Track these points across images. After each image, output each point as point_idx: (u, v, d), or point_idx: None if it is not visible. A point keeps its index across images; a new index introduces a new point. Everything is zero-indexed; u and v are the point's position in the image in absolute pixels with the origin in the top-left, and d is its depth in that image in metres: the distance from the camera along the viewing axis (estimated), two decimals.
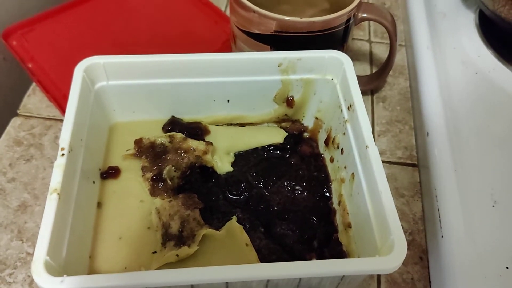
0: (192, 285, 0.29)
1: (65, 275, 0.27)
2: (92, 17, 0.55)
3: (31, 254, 0.38)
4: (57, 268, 0.28)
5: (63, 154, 0.32)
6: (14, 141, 0.45)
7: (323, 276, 0.28)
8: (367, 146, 0.33)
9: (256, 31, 0.41)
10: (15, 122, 0.47)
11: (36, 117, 0.47)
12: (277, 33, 0.40)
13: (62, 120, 0.46)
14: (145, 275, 0.27)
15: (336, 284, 0.31)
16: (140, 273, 0.27)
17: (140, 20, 0.56)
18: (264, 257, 0.35)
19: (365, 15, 0.43)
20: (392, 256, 0.27)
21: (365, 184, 0.33)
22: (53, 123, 0.47)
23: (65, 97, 0.46)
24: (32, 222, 0.40)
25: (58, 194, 0.30)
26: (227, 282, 0.29)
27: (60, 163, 0.31)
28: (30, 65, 0.49)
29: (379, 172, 0.31)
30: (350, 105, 0.36)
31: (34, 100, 0.49)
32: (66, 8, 0.55)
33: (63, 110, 0.46)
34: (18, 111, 0.48)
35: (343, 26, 0.41)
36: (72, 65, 0.39)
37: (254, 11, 0.39)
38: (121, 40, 0.53)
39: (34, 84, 0.50)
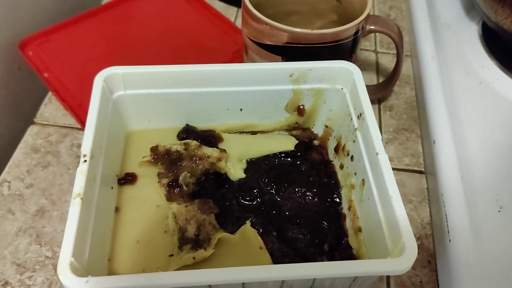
0: (210, 285, 0.30)
1: (89, 276, 0.28)
2: (106, 28, 0.57)
3: (49, 258, 0.39)
4: (81, 270, 0.29)
5: (85, 161, 0.33)
6: (31, 148, 0.47)
7: (337, 276, 0.29)
8: (377, 153, 0.34)
9: (268, 42, 0.42)
10: (32, 130, 0.48)
11: (52, 125, 0.49)
12: (289, 44, 0.41)
13: (78, 128, 0.48)
14: (166, 276, 0.28)
15: (348, 285, 0.32)
16: (161, 274, 0.28)
17: (152, 30, 0.57)
18: (277, 260, 0.36)
19: (372, 27, 0.44)
20: (404, 258, 0.28)
21: (375, 189, 0.34)
22: (69, 131, 0.48)
23: (81, 106, 0.48)
24: (50, 226, 0.41)
25: (81, 198, 0.31)
26: (243, 283, 0.30)
27: (82, 169, 0.32)
28: (46, 75, 0.51)
29: (390, 177, 0.32)
30: (360, 114, 0.37)
31: (51, 108, 0.50)
32: (81, 19, 0.57)
33: (79, 118, 0.48)
34: (35, 120, 0.49)
35: (352, 38, 0.42)
36: (87, 74, 0.40)
37: (266, 23, 0.41)
38: (134, 50, 0.55)
39: (50, 93, 0.51)
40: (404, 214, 0.31)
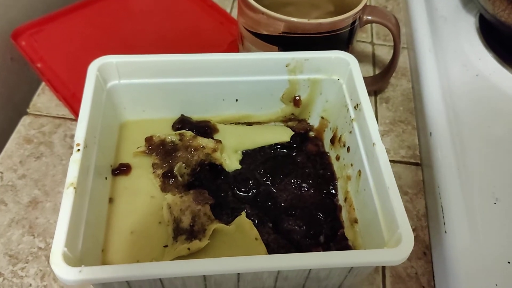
0: (204, 276, 0.30)
1: (83, 265, 0.27)
2: (100, 18, 0.56)
3: (42, 249, 0.39)
4: (74, 260, 0.29)
5: (78, 150, 0.32)
6: (24, 139, 0.46)
7: (333, 267, 0.29)
8: (374, 144, 0.33)
9: (264, 32, 0.42)
10: (25, 120, 0.48)
11: (45, 115, 0.48)
12: (285, 34, 0.41)
13: (71, 119, 0.47)
14: (160, 266, 0.28)
15: (344, 276, 0.32)
16: (155, 264, 0.28)
17: (146, 21, 0.57)
18: (273, 251, 0.36)
19: (370, 17, 0.44)
20: (400, 248, 0.28)
21: (372, 180, 0.34)
22: (62, 121, 0.48)
23: (74, 97, 0.47)
24: (43, 217, 0.41)
25: (74, 188, 0.30)
26: (238, 273, 0.29)
27: (76, 159, 0.32)
28: (39, 65, 0.50)
29: (386, 168, 0.32)
30: (357, 105, 0.37)
31: (44, 99, 0.50)
32: (75, 9, 0.56)
33: (72, 109, 0.47)
34: (28, 110, 0.48)
35: (349, 28, 0.42)
36: (80, 65, 0.40)
37: (262, 13, 0.40)
38: (128, 41, 0.54)
39: (43, 83, 0.51)
40: (401, 205, 0.30)
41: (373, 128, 0.34)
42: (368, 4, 0.44)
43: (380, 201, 0.33)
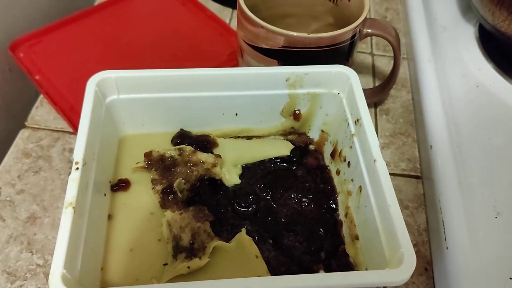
0: None
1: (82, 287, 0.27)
2: (98, 30, 0.56)
3: (41, 266, 0.39)
4: (73, 281, 0.28)
5: (77, 168, 0.32)
6: (22, 153, 0.46)
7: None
8: (375, 160, 0.33)
9: (264, 46, 0.42)
10: (23, 134, 0.47)
11: (44, 129, 0.48)
12: (285, 48, 0.41)
13: (70, 132, 0.47)
14: None
15: None
16: (156, 286, 0.28)
17: (145, 32, 0.56)
18: (273, 269, 0.36)
19: (370, 30, 0.44)
20: (402, 269, 0.28)
21: (373, 197, 0.34)
22: (61, 135, 0.47)
23: (73, 109, 0.47)
24: (41, 234, 0.40)
25: (73, 208, 0.30)
26: None
27: (74, 177, 0.32)
28: (37, 77, 0.50)
29: (387, 185, 0.32)
30: (357, 120, 0.37)
31: (42, 112, 0.49)
32: (73, 20, 0.56)
33: (71, 122, 0.47)
34: (26, 123, 0.48)
35: (349, 42, 0.42)
36: (79, 77, 0.40)
37: (262, 27, 0.40)
38: (127, 53, 0.54)
39: (41, 96, 0.50)
40: (403, 224, 0.30)
41: (374, 144, 0.34)
42: (367, 15, 0.43)
43: (381, 219, 0.32)
